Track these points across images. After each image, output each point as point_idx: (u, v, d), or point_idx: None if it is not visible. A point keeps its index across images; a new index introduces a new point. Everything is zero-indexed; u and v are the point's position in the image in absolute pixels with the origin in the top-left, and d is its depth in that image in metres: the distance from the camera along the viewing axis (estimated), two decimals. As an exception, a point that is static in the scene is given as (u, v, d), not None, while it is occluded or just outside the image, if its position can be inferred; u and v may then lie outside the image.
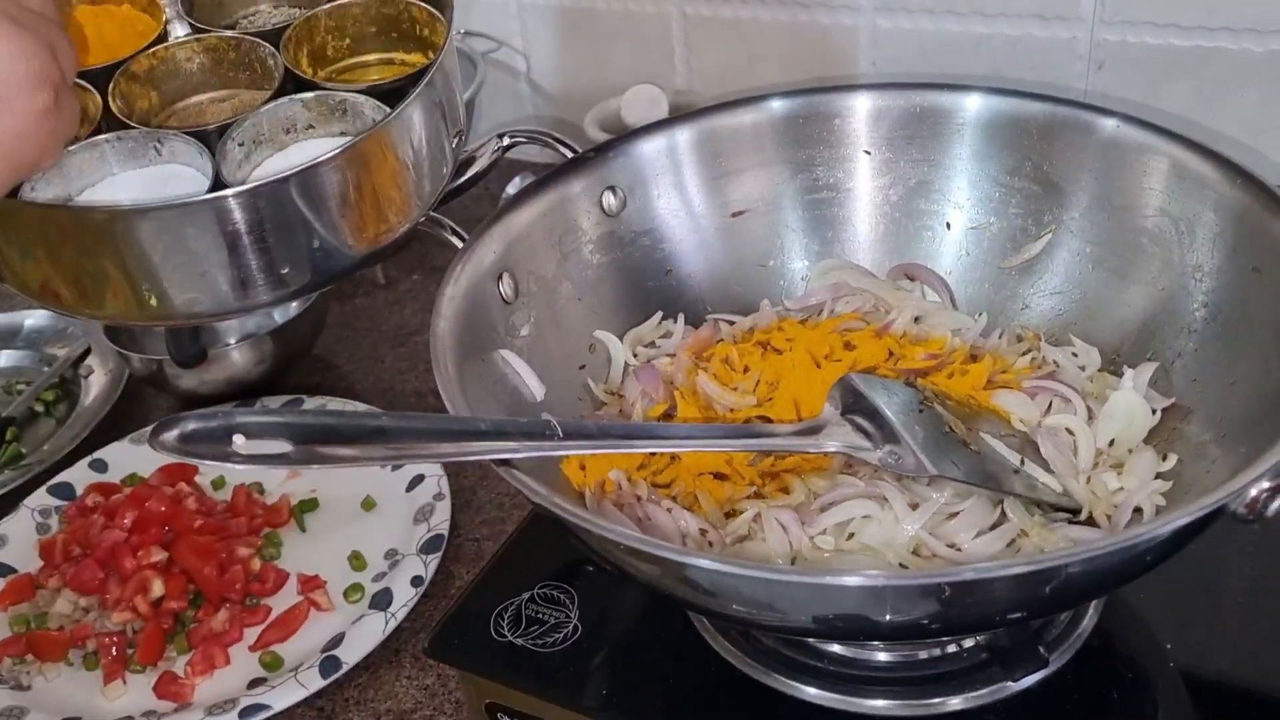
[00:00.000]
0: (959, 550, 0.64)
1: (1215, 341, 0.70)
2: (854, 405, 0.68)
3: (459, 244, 0.73)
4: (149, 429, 0.63)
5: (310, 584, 0.90)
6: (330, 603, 0.88)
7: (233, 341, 1.10)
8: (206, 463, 0.49)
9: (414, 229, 0.71)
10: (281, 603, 0.89)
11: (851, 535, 0.65)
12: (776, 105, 0.83)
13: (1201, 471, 0.65)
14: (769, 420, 0.74)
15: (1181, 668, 0.67)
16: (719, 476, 0.72)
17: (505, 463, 0.56)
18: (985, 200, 0.83)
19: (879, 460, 0.64)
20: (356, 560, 0.91)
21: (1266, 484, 0.52)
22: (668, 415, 0.75)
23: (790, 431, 0.65)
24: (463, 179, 0.78)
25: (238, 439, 0.49)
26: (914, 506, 0.65)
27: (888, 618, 0.53)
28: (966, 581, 0.49)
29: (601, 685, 0.70)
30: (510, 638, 0.73)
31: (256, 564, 0.91)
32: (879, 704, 0.66)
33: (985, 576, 0.48)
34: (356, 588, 0.89)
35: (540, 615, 0.74)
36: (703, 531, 0.67)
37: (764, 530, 0.66)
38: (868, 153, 0.85)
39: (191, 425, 0.49)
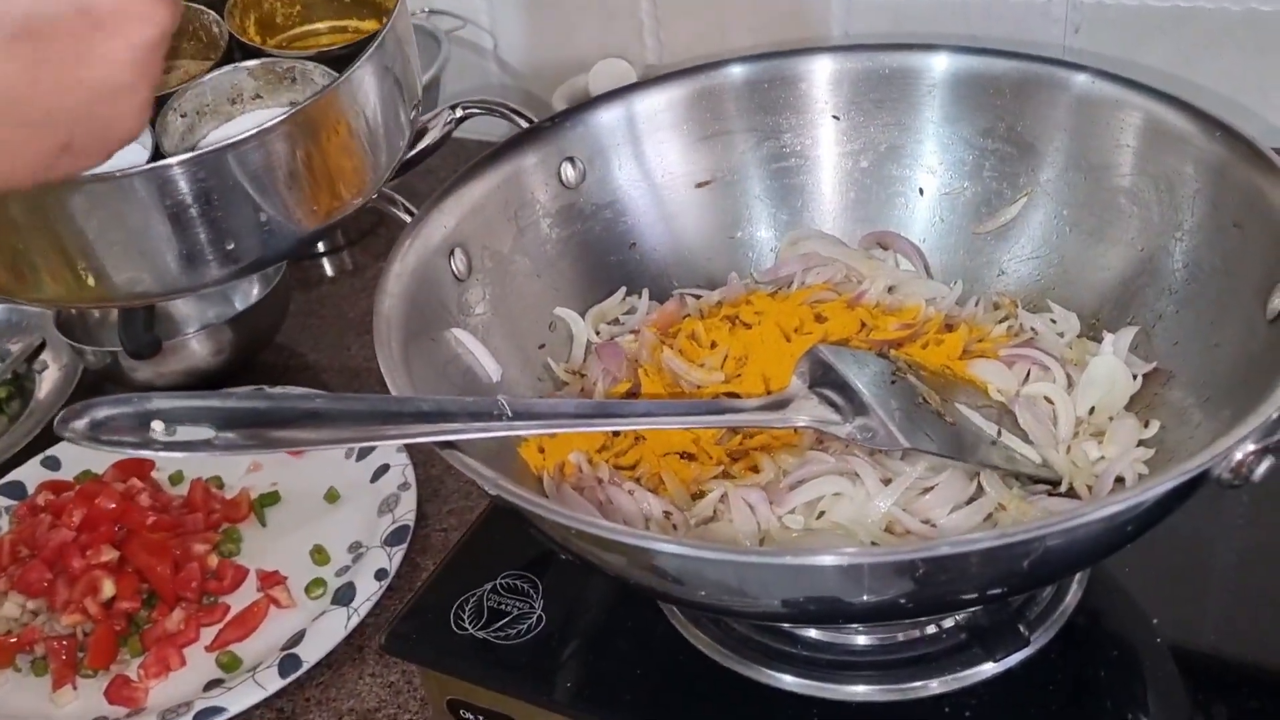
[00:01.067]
0: (934, 526, 0.61)
1: (1196, 302, 0.67)
2: (823, 378, 0.65)
3: (408, 220, 0.69)
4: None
5: (270, 580, 0.86)
6: (291, 599, 0.85)
7: (190, 331, 1.06)
8: (124, 451, 0.46)
9: (367, 204, 0.68)
10: (240, 600, 0.86)
11: (822, 514, 0.62)
12: (737, 70, 0.80)
13: (1185, 437, 0.63)
14: (737, 397, 0.71)
15: (1169, 642, 0.65)
16: (685, 456, 0.69)
17: (450, 445, 0.53)
18: (958, 164, 0.80)
19: (848, 434, 0.61)
20: (319, 554, 0.88)
21: (1252, 446, 0.50)
22: (631, 394, 0.72)
23: (755, 406, 0.62)
24: (414, 152, 0.75)
25: (156, 425, 0.46)
26: (887, 482, 0.62)
27: (861, 598, 0.50)
28: (940, 557, 0.46)
29: (567, 678, 0.67)
30: (471, 631, 0.70)
31: (213, 561, 0.88)
32: (859, 689, 0.63)
33: (959, 551, 0.45)
34: (318, 583, 0.86)
35: (503, 607, 0.71)
36: (667, 514, 0.64)
37: (731, 511, 0.63)
38: (836, 118, 0.82)
39: (103, 412, 0.45)
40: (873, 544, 0.60)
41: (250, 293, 1.12)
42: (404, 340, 0.62)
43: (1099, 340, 0.71)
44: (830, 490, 0.62)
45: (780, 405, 0.63)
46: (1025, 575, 0.52)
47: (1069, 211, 0.76)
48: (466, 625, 0.71)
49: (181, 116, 0.66)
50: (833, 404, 0.63)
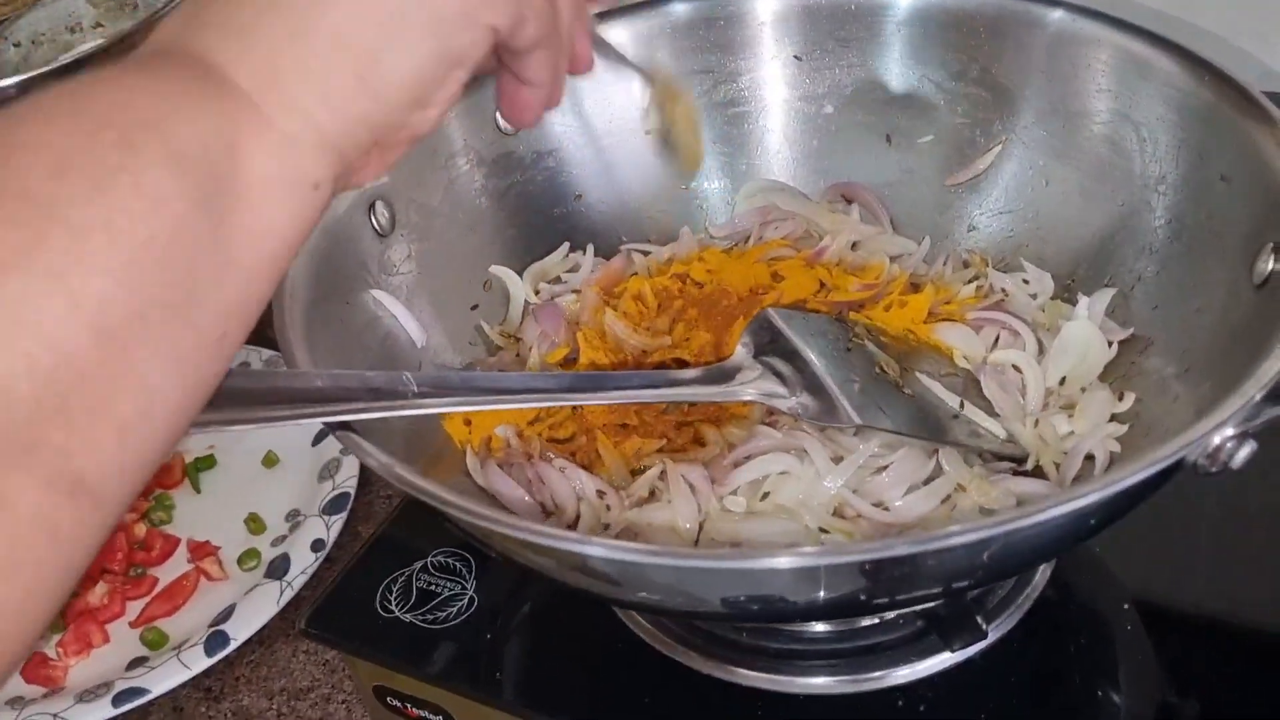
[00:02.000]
0: (887, 510, 0.56)
1: (1178, 262, 0.61)
2: (771, 345, 0.60)
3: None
4: None
5: (201, 551, 0.82)
6: (223, 571, 0.81)
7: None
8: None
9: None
10: (169, 573, 0.81)
11: (766, 495, 0.57)
12: (681, 9, 0.73)
13: (1162, 412, 0.58)
14: (685, 364, 0.66)
15: (1142, 623, 0.60)
16: (625, 428, 0.63)
17: (344, 426, 0.48)
18: (928, 109, 0.74)
19: (793, 409, 0.56)
20: (254, 523, 0.83)
21: (1231, 431, 0.45)
22: (570, 360, 0.67)
23: (694, 379, 0.57)
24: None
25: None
26: (838, 460, 0.57)
27: (806, 598, 0.46)
28: (878, 559, 0.41)
29: (498, 667, 0.62)
30: (398, 613, 0.66)
31: (141, 530, 0.84)
32: (815, 682, 0.59)
33: (887, 555, 0.40)
34: (252, 554, 0.81)
35: (433, 587, 0.66)
36: (600, 494, 0.59)
37: (670, 490, 0.58)
38: (799, 58, 0.75)
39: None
40: (820, 529, 0.55)
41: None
42: (310, 304, 0.57)
43: (1074, 303, 0.65)
44: (776, 469, 0.57)
45: (723, 376, 0.58)
46: (981, 572, 0.47)
47: (1045, 162, 0.70)
48: (393, 607, 0.66)
49: (15, 46, 0.61)
50: (779, 375, 0.58)
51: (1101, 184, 0.67)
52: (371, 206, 0.65)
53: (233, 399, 0.46)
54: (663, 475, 0.59)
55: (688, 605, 0.48)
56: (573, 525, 0.58)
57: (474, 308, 0.70)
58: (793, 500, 0.56)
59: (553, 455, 0.61)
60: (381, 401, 0.49)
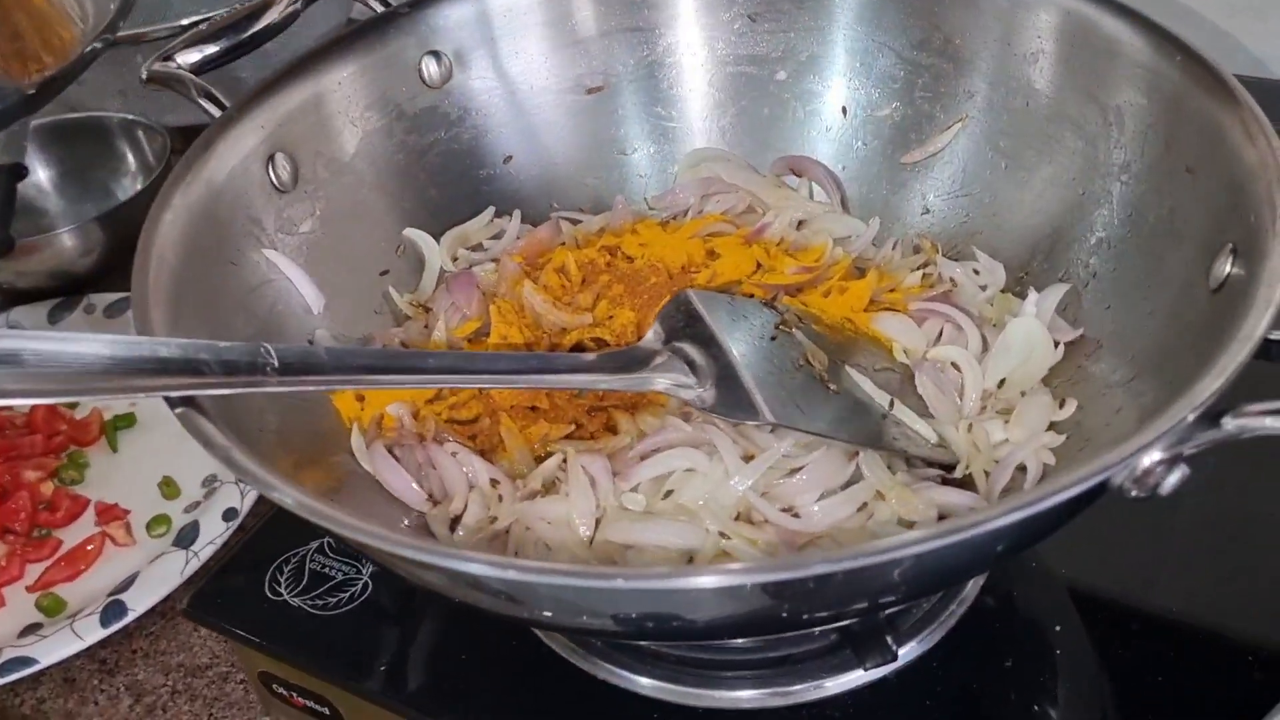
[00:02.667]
0: (796, 515, 0.51)
1: (1135, 259, 0.56)
2: (686, 329, 0.55)
3: (217, 114, 0.59)
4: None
5: (109, 514, 0.78)
6: (130, 537, 0.77)
7: (57, 229, 0.96)
8: None
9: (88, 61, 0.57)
10: (75, 535, 0.77)
11: (670, 493, 0.53)
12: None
13: (1102, 423, 0.53)
14: (605, 344, 0.62)
15: (1089, 627, 0.56)
16: (535, 411, 0.59)
17: (189, 402, 0.44)
18: (887, 79, 0.69)
19: (694, 400, 0.52)
20: (168, 487, 0.79)
21: (1159, 455, 0.40)
22: (480, 336, 0.63)
23: (594, 364, 0.52)
24: (246, 34, 0.63)
25: None
26: (750, 459, 0.53)
27: (696, 617, 0.41)
28: (754, 585, 0.36)
29: (386, 661, 0.58)
30: (287, 597, 0.62)
31: (48, 489, 0.80)
32: (733, 695, 0.54)
33: (766, 579, 0.36)
34: (162, 520, 0.77)
35: (327, 570, 0.62)
36: (494, 483, 0.55)
37: (569, 482, 0.54)
38: (751, 19, 0.70)
39: None
40: (721, 534, 0.50)
41: (123, 188, 1.01)
42: (183, 263, 0.52)
43: (1024, 297, 0.60)
44: (682, 465, 0.53)
45: (630, 363, 0.53)
46: (888, 593, 0.43)
47: (1006, 142, 0.65)
48: (282, 590, 0.62)
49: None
50: (690, 362, 0.53)
51: (1062, 169, 0.61)
52: (271, 159, 0.60)
53: (65, 368, 0.42)
54: (564, 464, 0.55)
55: (572, 622, 0.44)
56: (459, 519, 0.54)
57: (384, 273, 0.65)
58: (696, 500, 0.52)
59: (448, 437, 0.56)
60: (236, 377, 0.44)
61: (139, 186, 1.01)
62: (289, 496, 0.39)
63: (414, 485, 0.54)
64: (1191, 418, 0.39)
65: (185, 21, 0.94)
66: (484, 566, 0.36)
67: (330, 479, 0.53)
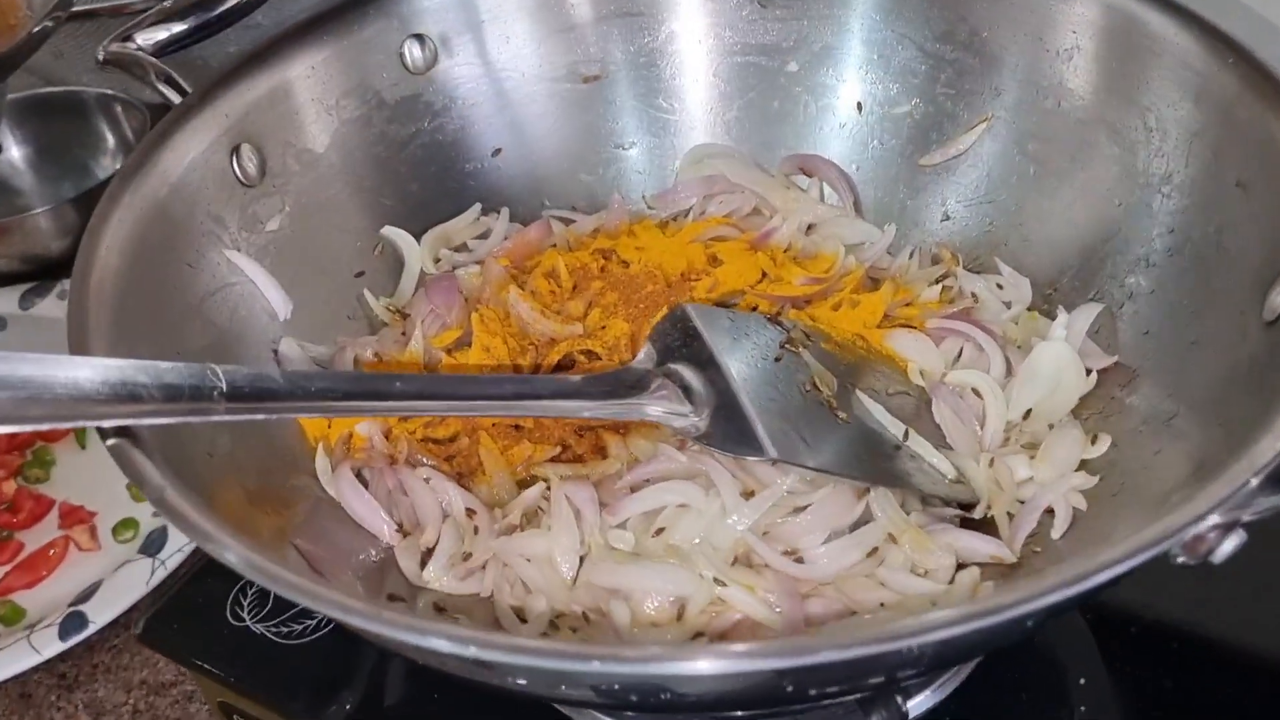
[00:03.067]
0: (800, 560, 0.47)
1: (1178, 282, 0.51)
2: (683, 349, 0.50)
3: (176, 100, 0.54)
4: None
5: (73, 517, 0.74)
6: (95, 541, 0.73)
7: (31, 208, 0.91)
8: None
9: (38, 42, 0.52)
10: (37, 538, 0.73)
11: (661, 530, 0.48)
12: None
13: (1139, 466, 0.48)
14: (596, 357, 0.57)
15: (1111, 670, 0.51)
16: (519, 430, 0.54)
17: (124, 433, 0.39)
18: (907, 74, 0.63)
19: (686, 430, 0.47)
20: (137, 489, 0.74)
21: (1215, 519, 0.35)
22: (460, 345, 0.58)
23: (580, 389, 0.47)
24: (214, 12, 0.58)
25: None
26: (750, 495, 0.48)
27: (686, 694, 0.37)
28: (751, 672, 0.32)
29: (350, 694, 0.54)
30: (249, 622, 0.57)
31: (10, 488, 0.75)
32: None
33: (764, 666, 0.31)
34: (129, 524, 0.73)
35: (290, 593, 0.58)
36: (470, 513, 0.50)
37: (551, 513, 0.49)
38: (762, 4, 0.65)
39: None
40: (716, 581, 0.46)
41: (98, 171, 0.97)
42: (130, 266, 0.47)
43: (1053, 316, 0.55)
44: (675, 500, 0.48)
45: (621, 388, 0.48)
46: (904, 669, 0.38)
47: (1035, 146, 0.59)
48: (244, 615, 0.58)
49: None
50: (685, 388, 0.48)
51: (1097, 177, 0.56)
52: (235, 150, 0.55)
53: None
54: (547, 494, 0.50)
55: (550, 692, 0.39)
56: (430, 552, 0.49)
57: (359, 275, 0.60)
58: (689, 540, 0.47)
59: (423, 460, 0.52)
60: (178, 404, 0.40)
61: (118, 165, 0.96)
62: (231, 553, 0.35)
63: (382, 514, 0.50)
64: (1255, 483, 0.35)
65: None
66: (446, 642, 0.32)
67: (289, 507, 0.49)
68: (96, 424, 0.38)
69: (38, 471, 0.77)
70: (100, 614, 0.66)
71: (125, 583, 0.68)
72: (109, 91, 0.96)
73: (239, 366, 0.41)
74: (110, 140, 0.99)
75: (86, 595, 0.68)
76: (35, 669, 0.65)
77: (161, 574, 0.68)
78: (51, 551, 0.72)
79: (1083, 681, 0.52)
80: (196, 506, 0.37)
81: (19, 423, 0.36)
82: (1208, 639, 0.52)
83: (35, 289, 0.89)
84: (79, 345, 0.42)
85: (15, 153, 0.98)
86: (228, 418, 0.40)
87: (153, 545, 0.70)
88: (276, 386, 0.42)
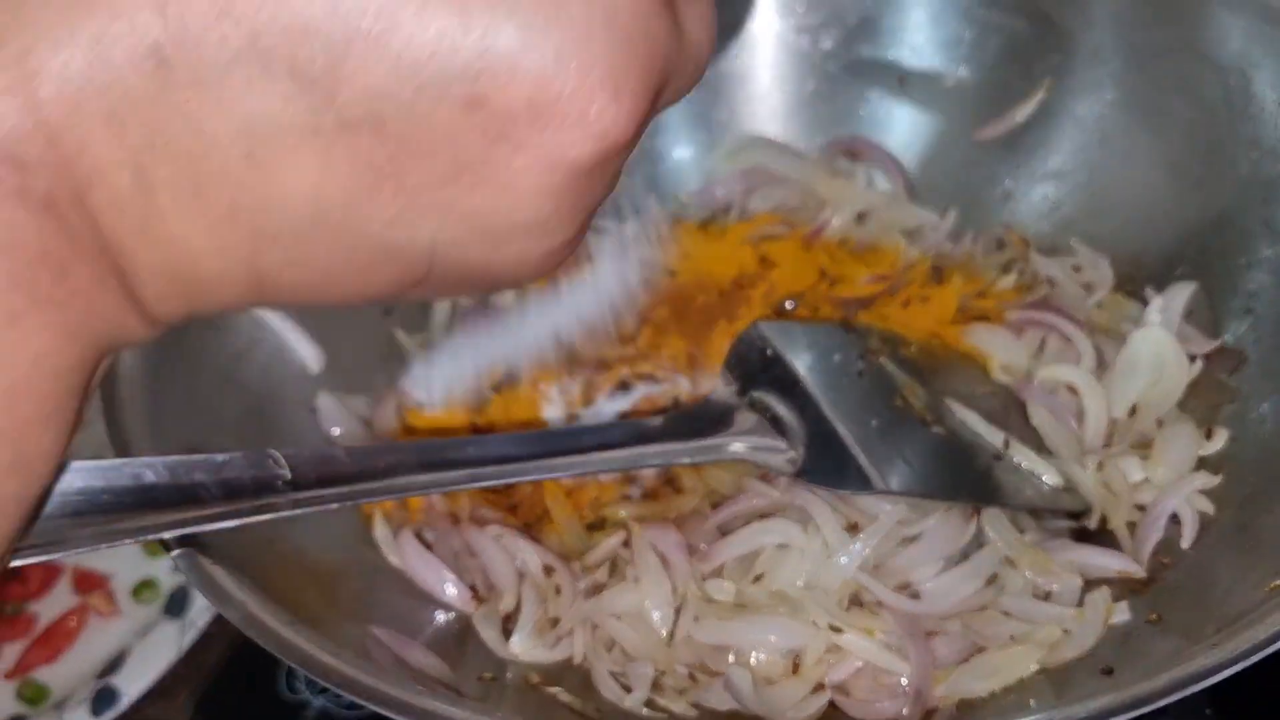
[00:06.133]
0: (916, 596, 0.43)
1: (1278, 251, 0.48)
2: (764, 373, 0.46)
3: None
4: None
5: (87, 582, 0.69)
6: (114, 605, 0.68)
7: None
8: None
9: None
10: (52, 608, 0.68)
11: (761, 576, 0.44)
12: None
13: (1262, 459, 0.45)
14: (652, 379, 0.53)
15: None
16: (582, 471, 0.50)
17: (188, 540, 0.35)
18: (953, 43, 0.60)
19: (783, 468, 0.43)
20: (151, 545, 0.70)
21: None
22: (506, 383, 0.54)
23: (660, 430, 0.43)
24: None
25: None
26: (853, 527, 0.44)
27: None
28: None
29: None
30: (308, 695, 0.53)
31: (16, 557, 0.71)
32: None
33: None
34: (148, 584, 0.68)
35: (351, 659, 0.54)
36: (549, 570, 0.46)
37: (636, 563, 0.45)
38: (790, -20, 0.60)
39: None
40: (832, 628, 0.42)
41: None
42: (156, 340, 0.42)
43: (1141, 299, 0.52)
44: (772, 540, 0.44)
45: (710, 424, 0.44)
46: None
47: (1100, 113, 0.56)
48: (301, 688, 0.54)
49: None
50: (775, 418, 0.45)
51: (1174, 145, 0.53)
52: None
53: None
54: (627, 542, 0.47)
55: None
56: (511, 616, 0.45)
57: (388, 313, 0.56)
58: (794, 584, 0.44)
59: (488, 515, 0.48)
60: (242, 502, 0.35)
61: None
62: (337, 676, 0.31)
63: (453, 580, 0.46)
64: None
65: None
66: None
67: (354, 586, 0.45)
68: (162, 535, 0.34)
69: (44, 534, 0.72)
70: (132, 684, 0.62)
71: (154, 648, 0.64)
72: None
73: (298, 448, 0.37)
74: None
75: (114, 665, 0.64)
76: (68, 750, 0.62)
77: (193, 635, 0.64)
78: (71, 622, 0.68)
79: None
80: (283, 620, 0.33)
81: (86, 544, 0.32)
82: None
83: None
84: (120, 441, 0.37)
85: None
86: (295, 511, 0.36)
87: (177, 605, 0.66)
88: (344, 466, 0.38)
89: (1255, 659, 0.30)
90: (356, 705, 0.52)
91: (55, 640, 0.67)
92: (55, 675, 0.66)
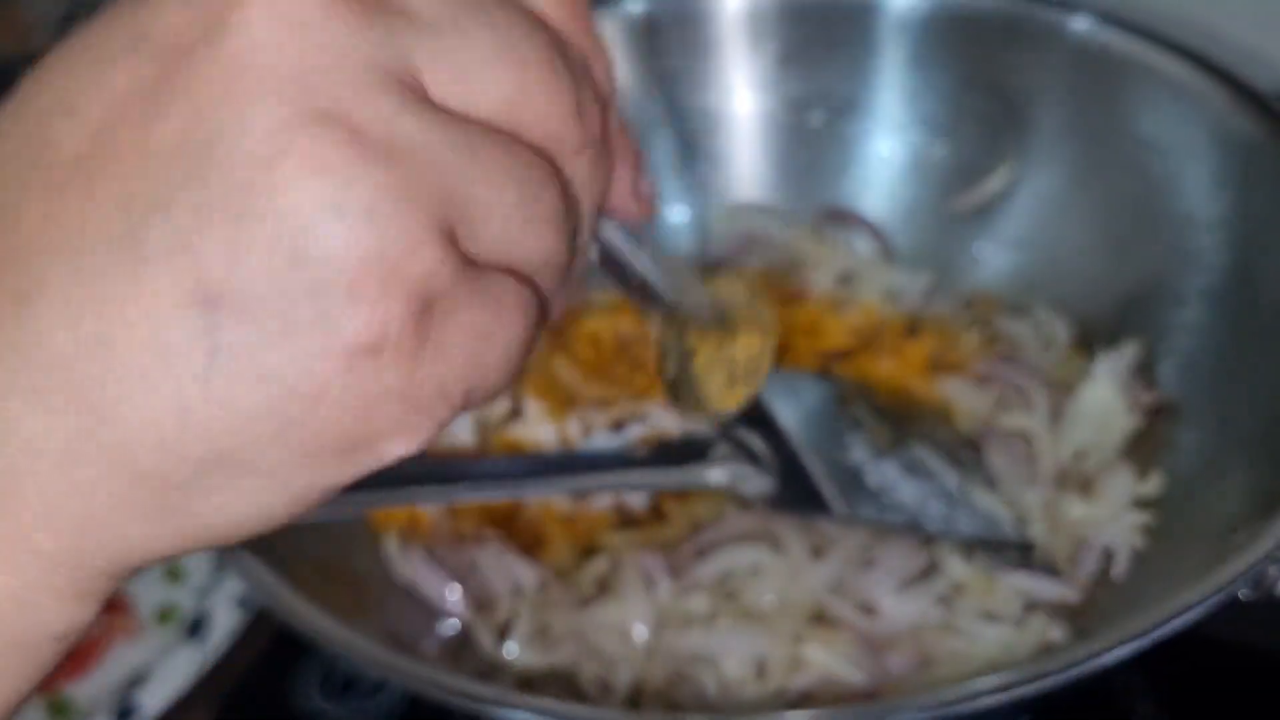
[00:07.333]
0: (874, 613, 0.48)
1: (1215, 317, 0.53)
2: (741, 412, 0.51)
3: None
4: None
5: (113, 606, 0.73)
6: (138, 625, 0.72)
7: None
8: None
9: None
10: (80, 628, 0.73)
11: (733, 593, 0.49)
12: (638, 7, 0.64)
13: (1194, 499, 0.49)
14: (647, 419, 0.58)
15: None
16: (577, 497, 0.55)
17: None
18: (931, 122, 0.65)
19: (756, 494, 0.48)
20: (172, 570, 0.75)
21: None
22: (514, 416, 0.59)
23: (647, 459, 0.48)
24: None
25: None
26: (819, 550, 0.49)
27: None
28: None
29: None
30: (320, 702, 0.58)
31: (51, 579, 0.75)
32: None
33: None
34: (169, 607, 0.72)
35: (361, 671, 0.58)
36: (543, 586, 0.51)
37: (622, 582, 0.50)
38: (782, 61, 0.66)
39: None
40: (795, 639, 0.47)
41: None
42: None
43: (1092, 356, 0.57)
44: (745, 561, 0.49)
45: (690, 455, 0.49)
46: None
47: (1063, 187, 0.61)
48: (313, 694, 0.58)
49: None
50: (750, 452, 0.50)
51: (1128, 218, 0.58)
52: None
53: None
54: (614, 562, 0.51)
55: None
56: (506, 626, 0.50)
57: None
58: (766, 601, 0.48)
59: (489, 535, 0.53)
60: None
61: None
62: (355, 653, 0.36)
63: (456, 592, 0.51)
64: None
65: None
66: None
67: (357, 591, 0.50)
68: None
69: (71, 560, 0.77)
70: (153, 699, 0.67)
71: (175, 667, 0.68)
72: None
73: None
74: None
75: (136, 682, 0.68)
76: (93, 764, 0.66)
77: (212, 655, 0.69)
78: (96, 640, 0.72)
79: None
80: (310, 606, 0.38)
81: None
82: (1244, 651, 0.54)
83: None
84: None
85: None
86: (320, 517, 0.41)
87: (196, 628, 0.70)
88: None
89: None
90: (369, 709, 0.57)
91: (82, 658, 0.71)
92: (81, 690, 0.70)
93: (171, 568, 0.74)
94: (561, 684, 0.48)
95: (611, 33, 0.64)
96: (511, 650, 0.49)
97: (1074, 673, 0.34)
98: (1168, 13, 0.65)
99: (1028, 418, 0.55)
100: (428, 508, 0.53)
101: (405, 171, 0.19)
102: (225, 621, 0.69)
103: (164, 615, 0.71)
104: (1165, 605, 0.36)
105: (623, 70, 0.66)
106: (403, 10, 0.19)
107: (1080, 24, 0.58)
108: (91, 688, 0.69)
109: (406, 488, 0.43)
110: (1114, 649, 0.34)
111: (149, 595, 0.72)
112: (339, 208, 0.18)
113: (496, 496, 0.47)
